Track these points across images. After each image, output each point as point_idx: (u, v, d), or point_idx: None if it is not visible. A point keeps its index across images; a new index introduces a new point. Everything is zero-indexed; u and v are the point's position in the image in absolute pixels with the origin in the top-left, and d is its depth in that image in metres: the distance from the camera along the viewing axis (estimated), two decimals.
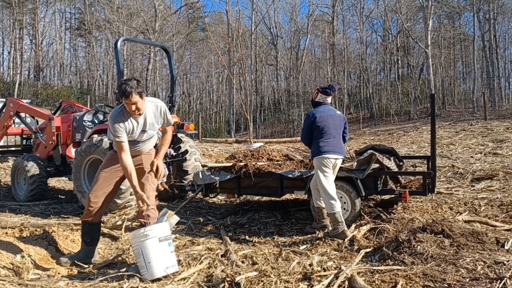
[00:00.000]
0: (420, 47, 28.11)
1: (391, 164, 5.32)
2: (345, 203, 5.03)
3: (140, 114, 3.81)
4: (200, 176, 5.79)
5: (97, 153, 5.85)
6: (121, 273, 3.64)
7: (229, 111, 30.89)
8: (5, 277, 3.45)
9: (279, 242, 4.65)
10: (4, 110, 7.84)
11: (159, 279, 3.49)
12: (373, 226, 4.75)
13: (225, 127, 33.76)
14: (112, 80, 35.48)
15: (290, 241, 4.71)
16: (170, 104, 7.58)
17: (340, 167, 5.04)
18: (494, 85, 27.74)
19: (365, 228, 4.74)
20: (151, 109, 3.92)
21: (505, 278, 3.00)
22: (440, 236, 3.86)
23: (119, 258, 4.14)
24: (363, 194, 5.01)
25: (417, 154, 10.84)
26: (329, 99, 5.01)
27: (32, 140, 8.13)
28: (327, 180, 4.67)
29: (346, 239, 4.46)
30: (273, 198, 6.40)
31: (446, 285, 3.05)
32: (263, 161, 5.87)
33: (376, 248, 4.17)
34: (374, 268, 3.46)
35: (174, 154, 6.66)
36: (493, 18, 28.66)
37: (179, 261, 3.88)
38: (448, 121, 20.54)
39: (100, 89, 38.64)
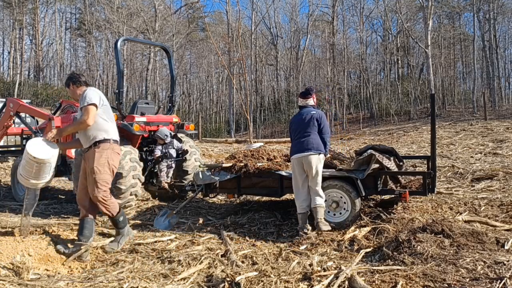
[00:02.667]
0: (420, 47, 28.11)
1: (391, 164, 5.32)
2: (345, 203, 5.03)
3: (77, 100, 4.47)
4: (200, 176, 5.80)
5: None
6: (121, 273, 3.64)
7: (229, 111, 30.88)
8: (5, 277, 3.45)
9: (279, 242, 4.65)
10: (4, 110, 7.83)
11: (158, 279, 3.49)
12: (373, 226, 4.75)
13: (225, 127, 33.74)
14: (112, 80, 35.44)
15: (290, 241, 4.71)
16: (170, 104, 7.59)
17: (340, 168, 5.03)
18: (494, 85, 27.73)
19: (365, 229, 4.74)
20: None
21: (505, 278, 3.00)
22: (440, 236, 3.86)
23: (119, 258, 4.14)
24: (363, 194, 5.01)
25: (417, 154, 10.84)
26: (309, 101, 5.12)
27: None
28: (295, 181, 4.97)
29: (304, 235, 4.65)
30: (273, 198, 6.40)
31: (446, 285, 3.05)
32: (263, 161, 5.87)
33: (376, 248, 4.17)
34: (374, 268, 3.46)
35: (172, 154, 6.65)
36: (493, 18, 28.64)
37: (179, 261, 3.89)
38: (448, 121, 20.54)
39: (100, 89, 38.29)
